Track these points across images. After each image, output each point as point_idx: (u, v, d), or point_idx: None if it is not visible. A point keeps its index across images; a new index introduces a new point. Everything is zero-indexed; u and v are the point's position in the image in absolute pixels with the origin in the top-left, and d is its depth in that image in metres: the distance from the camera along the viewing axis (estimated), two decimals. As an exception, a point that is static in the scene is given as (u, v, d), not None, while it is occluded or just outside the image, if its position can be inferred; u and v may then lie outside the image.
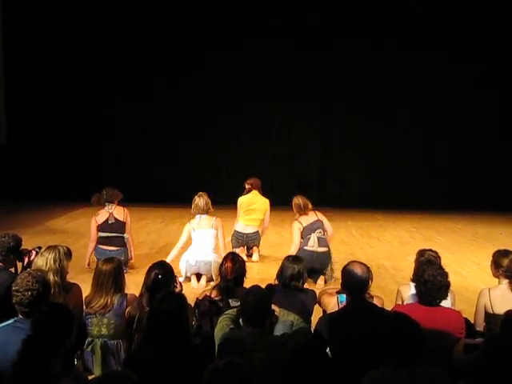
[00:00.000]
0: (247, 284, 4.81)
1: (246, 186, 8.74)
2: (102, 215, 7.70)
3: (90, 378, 3.99)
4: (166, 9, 13.36)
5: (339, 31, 13.35)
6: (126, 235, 7.75)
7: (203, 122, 13.62)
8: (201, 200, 7.51)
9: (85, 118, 13.66)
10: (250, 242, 8.62)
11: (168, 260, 6.35)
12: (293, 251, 7.24)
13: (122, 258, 7.12)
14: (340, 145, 13.86)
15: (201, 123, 13.61)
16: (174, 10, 13.35)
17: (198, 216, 7.50)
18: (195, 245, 7.45)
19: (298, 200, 7.71)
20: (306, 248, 7.34)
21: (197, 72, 13.41)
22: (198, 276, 7.30)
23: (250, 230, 8.57)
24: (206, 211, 7.52)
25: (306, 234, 7.49)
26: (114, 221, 7.68)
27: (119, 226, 7.71)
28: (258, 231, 8.65)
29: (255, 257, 8.54)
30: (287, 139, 13.73)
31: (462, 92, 13.27)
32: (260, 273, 7.69)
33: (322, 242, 7.44)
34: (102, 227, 7.64)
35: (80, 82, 13.56)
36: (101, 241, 7.63)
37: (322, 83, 13.64)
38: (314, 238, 7.39)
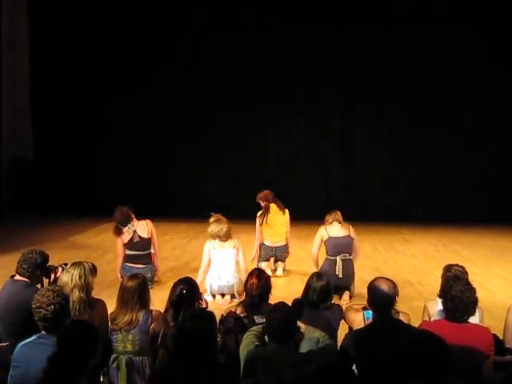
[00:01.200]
0: (271, 300, 4.80)
1: (262, 203, 8.63)
2: (126, 235, 7.72)
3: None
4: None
5: (364, 32, 13.32)
6: (152, 251, 7.77)
7: (224, 136, 13.68)
8: (222, 229, 7.43)
9: (108, 134, 13.79)
10: (278, 254, 8.59)
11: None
12: (313, 260, 7.36)
13: (149, 275, 7.17)
14: (364, 157, 13.77)
15: (222, 137, 13.68)
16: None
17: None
18: (217, 267, 7.42)
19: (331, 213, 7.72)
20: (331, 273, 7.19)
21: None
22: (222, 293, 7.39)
23: (278, 244, 8.55)
24: (227, 238, 7.50)
25: (330, 246, 7.40)
26: (138, 239, 7.70)
27: (144, 243, 7.75)
28: (286, 244, 8.62)
29: (279, 271, 8.51)
30: (307, 151, 13.68)
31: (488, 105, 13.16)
32: (285, 287, 7.66)
33: (346, 265, 7.37)
34: (127, 246, 7.70)
35: (104, 98, 13.72)
36: (127, 259, 7.67)
37: (345, 91, 13.60)
38: (339, 263, 7.31)
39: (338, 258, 7.32)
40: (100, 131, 13.77)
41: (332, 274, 6.99)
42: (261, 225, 8.51)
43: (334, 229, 7.54)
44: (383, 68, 13.31)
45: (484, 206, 13.21)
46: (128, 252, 7.68)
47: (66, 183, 13.70)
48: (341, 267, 7.29)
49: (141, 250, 7.68)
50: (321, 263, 7.54)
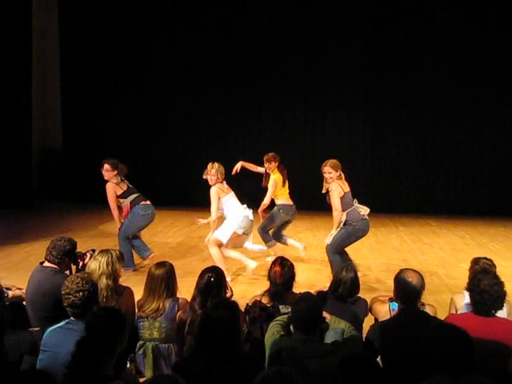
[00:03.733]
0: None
1: (274, 164, 8.49)
2: (120, 187, 8.02)
3: (141, 380, 4.05)
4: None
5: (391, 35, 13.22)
6: None
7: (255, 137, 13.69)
8: (221, 167, 7.57)
9: (135, 125, 13.93)
10: (295, 214, 8.58)
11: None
12: (336, 218, 7.15)
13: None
14: (392, 149, 13.66)
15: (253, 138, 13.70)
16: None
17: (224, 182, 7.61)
18: (239, 206, 7.59)
19: (336, 161, 7.39)
20: (364, 216, 7.20)
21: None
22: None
23: (292, 202, 8.57)
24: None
25: (346, 201, 7.24)
26: (131, 186, 8.15)
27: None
28: None
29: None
30: (338, 143, 13.60)
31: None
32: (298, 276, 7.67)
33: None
34: (127, 193, 8.02)
35: (132, 91, 13.87)
36: (136, 201, 8.00)
37: (373, 87, 13.52)
38: (360, 206, 7.27)
39: (356, 204, 7.27)
40: (127, 122, 13.93)
41: (361, 219, 7.14)
42: (283, 186, 8.49)
43: (344, 184, 7.35)
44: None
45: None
46: (132, 196, 8.02)
47: (95, 173, 13.81)
48: (365, 208, 7.28)
49: (138, 192, 8.14)
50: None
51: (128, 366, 4.51)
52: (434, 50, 13.06)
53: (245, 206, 7.68)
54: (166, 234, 10.55)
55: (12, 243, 9.39)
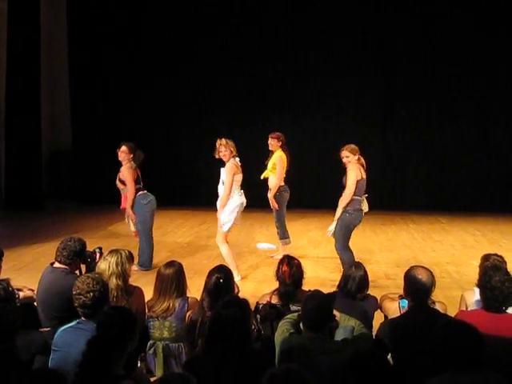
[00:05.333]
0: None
1: (278, 143, 8.55)
2: (134, 171, 8.06)
3: (152, 379, 4.06)
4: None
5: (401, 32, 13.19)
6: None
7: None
8: (230, 141, 7.42)
9: (144, 125, 13.96)
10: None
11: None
12: (346, 197, 7.10)
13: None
14: (402, 146, 13.60)
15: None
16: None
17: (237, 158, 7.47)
18: (239, 190, 7.52)
19: (354, 145, 7.37)
20: (362, 208, 7.21)
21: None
22: None
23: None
24: None
25: (360, 186, 7.20)
26: (139, 176, 8.19)
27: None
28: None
29: None
30: (346, 141, 13.54)
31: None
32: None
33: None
34: (137, 181, 8.07)
35: (140, 91, 13.90)
36: (137, 190, 8.01)
37: (384, 83, 13.48)
38: (365, 201, 7.27)
39: (364, 197, 7.26)
40: (137, 122, 13.95)
41: (359, 209, 7.15)
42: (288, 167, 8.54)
43: (361, 169, 7.32)
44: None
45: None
46: (138, 186, 8.05)
47: (105, 173, 13.89)
48: (366, 204, 7.27)
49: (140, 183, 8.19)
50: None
51: (139, 365, 4.52)
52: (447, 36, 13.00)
53: (242, 192, 7.58)
54: (176, 234, 10.57)
55: (23, 244, 9.44)
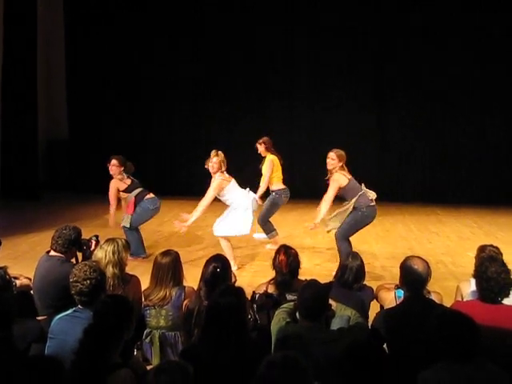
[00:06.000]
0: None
1: (264, 146, 8.66)
2: (122, 183, 8.08)
3: (149, 368, 4.06)
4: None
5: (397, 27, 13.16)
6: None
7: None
8: (224, 157, 7.54)
9: (142, 115, 13.94)
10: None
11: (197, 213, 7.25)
12: (323, 207, 7.15)
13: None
14: (398, 137, 13.59)
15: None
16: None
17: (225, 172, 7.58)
18: (242, 191, 7.61)
19: (343, 152, 7.35)
20: (372, 202, 7.21)
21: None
22: None
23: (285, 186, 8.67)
24: None
25: (353, 186, 7.22)
26: (136, 180, 8.21)
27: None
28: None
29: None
30: (345, 130, 13.54)
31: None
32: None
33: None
34: (131, 187, 8.08)
35: (139, 82, 13.89)
36: (141, 195, 8.05)
37: (378, 75, 13.46)
38: (367, 190, 7.27)
39: (364, 188, 7.26)
40: (134, 112, 13.95)
41: (370, 205, 7.16)
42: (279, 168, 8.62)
43: (345, 172, 7.32)
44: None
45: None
46: (136, 190, 8.07)
47: (101, 163, 13.84)
48: (371, 192, 7.28)
49: (141, 186, 8.20)
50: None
51: (135, 353, 4.53)
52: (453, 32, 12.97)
53: (247, 189, 7.68)
54: (173, 224, 10.54)
55: (19, 233, 9.44)
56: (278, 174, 8.61)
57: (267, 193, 8.76)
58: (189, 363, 2.91)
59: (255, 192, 8.09)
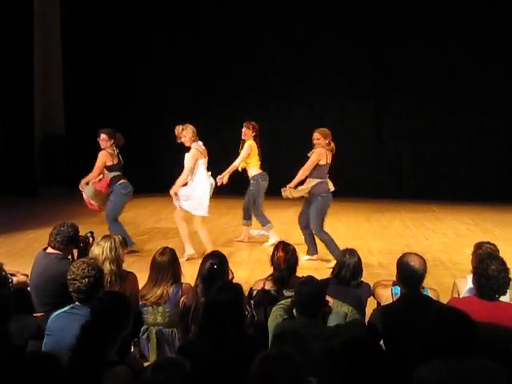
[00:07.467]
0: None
1: (251, 131, 8.69)
2: (113, 159, 8.05)
3: (146, 364, 4.07)
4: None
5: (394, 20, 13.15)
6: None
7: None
8: (190, 125, 7.63)
9: (138, 112, 13.93)
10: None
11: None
12: (300, 175, 7.48)
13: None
14: (398, 137, 13.58)
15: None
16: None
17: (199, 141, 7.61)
18: (205, 173, 7.62)
19: (326, 129, 7.69)
20: (330, 190, 7.55)
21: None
22: None
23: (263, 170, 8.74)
24: None
25: (323, 171, 7.51)
26: (122, 162, 8.18)
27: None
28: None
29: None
30: (341, 127, 13.52)
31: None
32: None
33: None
34: (116, 167, 8.05)
35: (133, 79, 13.87)
36: (116, 178, 8.01)
37: (376, 70, 13.46)
38: (329, 181, 7.61)
39: (327, 179, 7.61)
40: (130, 108, 13.92)
41: (328, 191, 7.50)
42: (257, 155, 8.65)
43: (328, 153, 7.63)
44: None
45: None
46: (116, 172, 8.00)
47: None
48: (331, 183, 7.62)
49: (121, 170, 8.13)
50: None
51: (132, 350, 4.53)
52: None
53: (209, 173, 7.73)
54: (169, 220, 10.53)
55: (16, 230, 9.42)
56: (255, 159, 8.62)
57: (246, 181, 8.76)
58: (186, 360, 2.91)
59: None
